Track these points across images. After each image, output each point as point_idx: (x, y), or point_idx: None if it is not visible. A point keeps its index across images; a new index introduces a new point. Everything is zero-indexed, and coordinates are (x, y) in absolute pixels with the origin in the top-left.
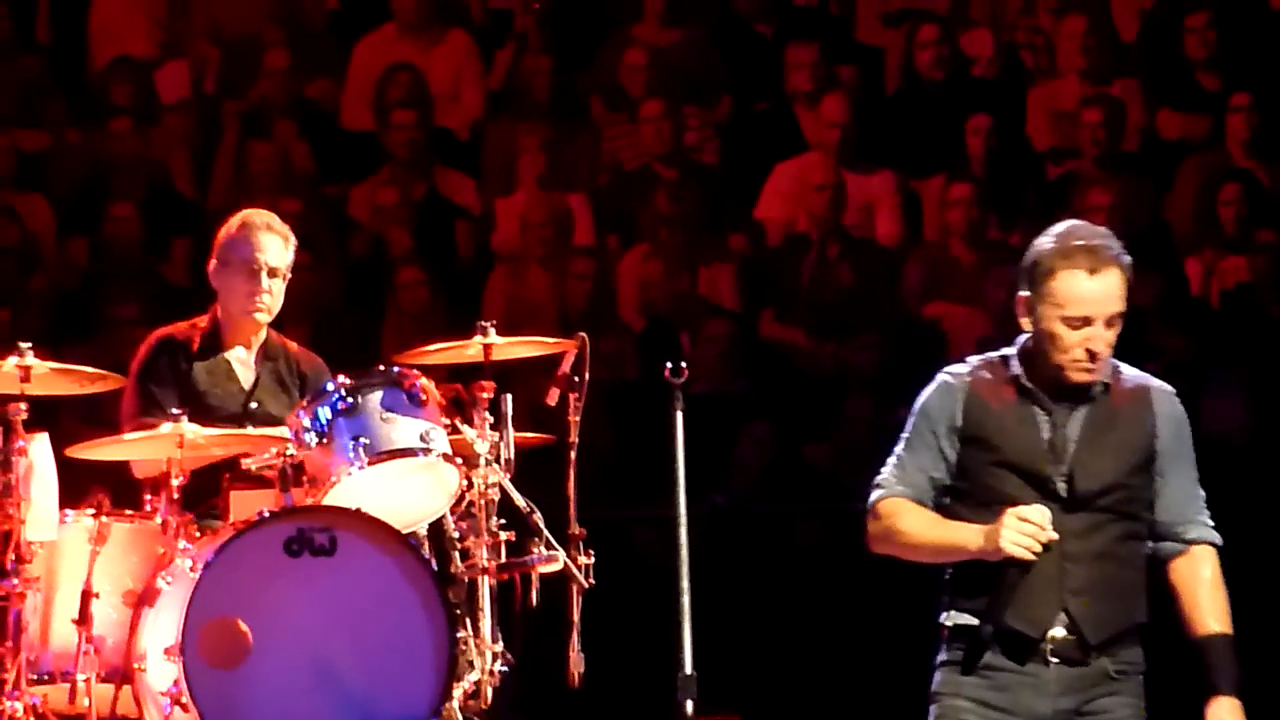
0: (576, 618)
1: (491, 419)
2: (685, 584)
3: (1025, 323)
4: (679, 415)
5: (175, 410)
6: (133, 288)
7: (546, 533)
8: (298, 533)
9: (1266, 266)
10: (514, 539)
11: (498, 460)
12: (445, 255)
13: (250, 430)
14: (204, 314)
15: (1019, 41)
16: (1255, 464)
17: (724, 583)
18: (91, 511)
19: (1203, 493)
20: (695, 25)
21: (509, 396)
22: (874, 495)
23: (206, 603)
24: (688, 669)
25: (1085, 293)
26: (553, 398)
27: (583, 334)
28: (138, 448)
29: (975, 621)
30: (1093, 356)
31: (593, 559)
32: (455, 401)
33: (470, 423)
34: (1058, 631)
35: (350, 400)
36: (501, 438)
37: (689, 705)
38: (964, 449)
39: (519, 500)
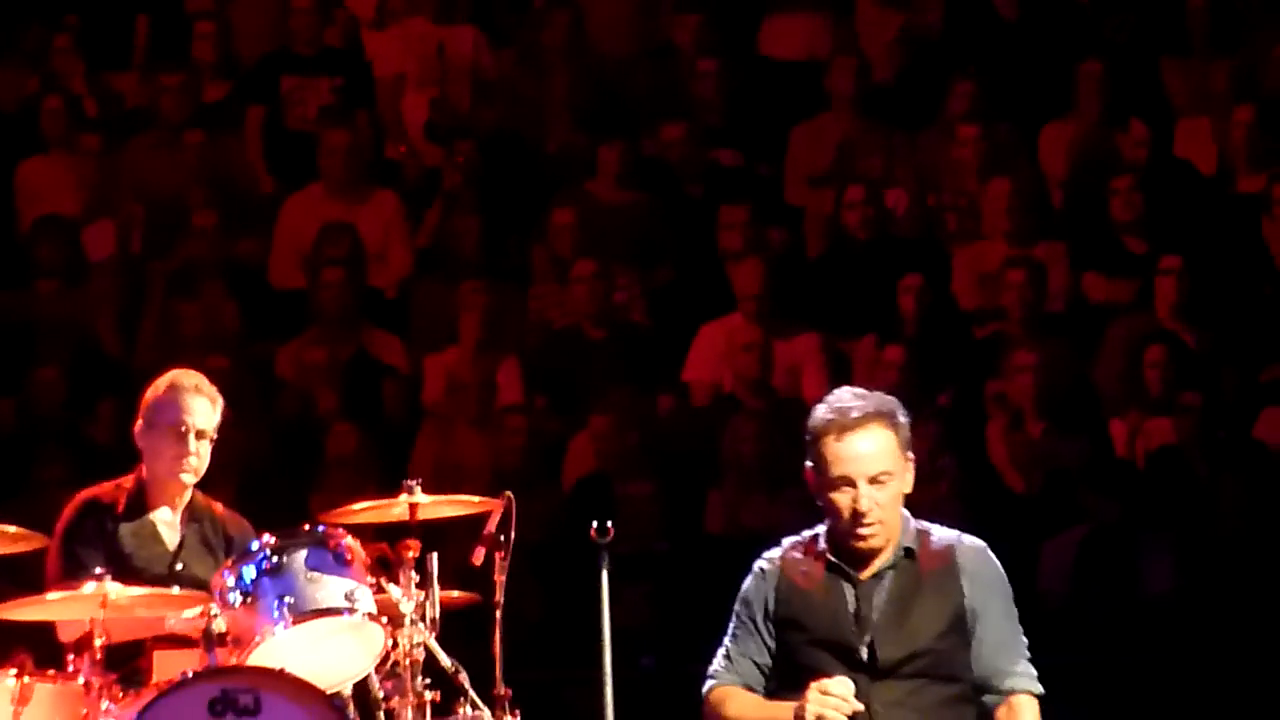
0: None
1: (417, 578)
2: None
3: (816, 498)
4: (605, 575)
5: (99, 570)
6: (58, 448)
7: (472, 692)
8: (221, 693)
9: (1191, 428)
10: (439, 699)
11: (423, 619)
12: (373, 414)
13: (175, 591)
14: (129, 474)
15: (945, 203)
16: (1184, 625)
17: None
18: (14, 672)
19: (1024, 641)
20: (641, 189)
21: (435, 555)
22: (706, 685)
23: None
24: None
25: (842, 454)
26: (478, 557)
27: (508, 493)
28: (61, 608)
29: None
30: (859, 516)
31: (519, 719)
32: (381, 560)
33: (396, 582)
34: None
35: (275, 559)
36: (427, 597)
37: None
38: (779, 632)
39: (444, 660)
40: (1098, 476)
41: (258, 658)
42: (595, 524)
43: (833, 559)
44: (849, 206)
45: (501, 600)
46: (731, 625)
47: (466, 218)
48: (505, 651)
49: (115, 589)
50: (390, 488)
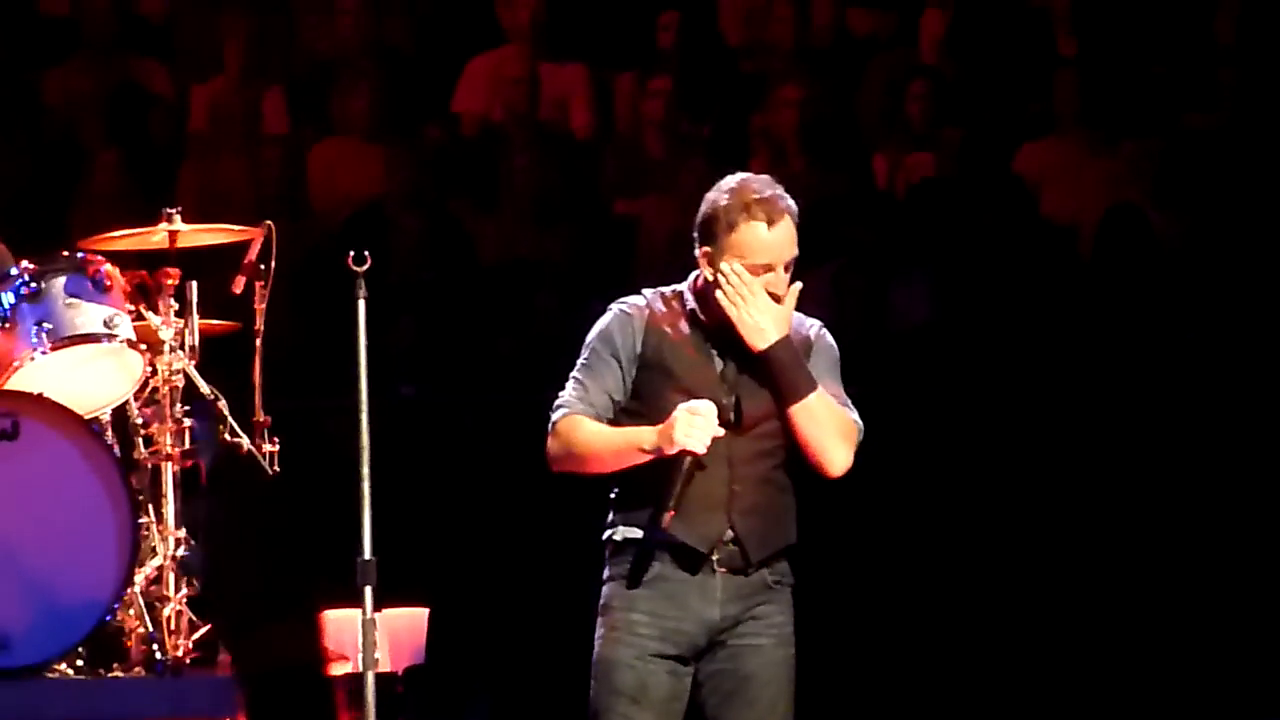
0: None
1: (177, 305)
2: (366, 470)
3: (708, 273)
4: (361, 304)
5: None
6: None
7: (231, 420)
8: None
9: (952, 162)
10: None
11: (182, 347)
12: (139, 142)
13: None
14: None
15: None
16: (939, 357)
17: (410, 473)
18: None
19: (848, 400)
20: None
21: (194, 283)
22: (556, 415)
23: None
24: (367, 554)
25: (767, 242)
26: (238, 285)
27: (269, 222)
28: None
29: (641, 534)
30: (775, 300)
31: (277, 446)
32: (140, 288)
33: (155, 309)
34: (724, 545)
35: (34, 285)
36: (186, 324)
37: (368, 590)
38: (642, 374)
39: (204, 387)
40: (857, 209)
41: (16, 382)
42: (353, 252)
43: (701, 318)
44: None
45: (261, 329)
46: (585, 358)
47: None
48: (265, 380)
49: None
50: (154, 217)
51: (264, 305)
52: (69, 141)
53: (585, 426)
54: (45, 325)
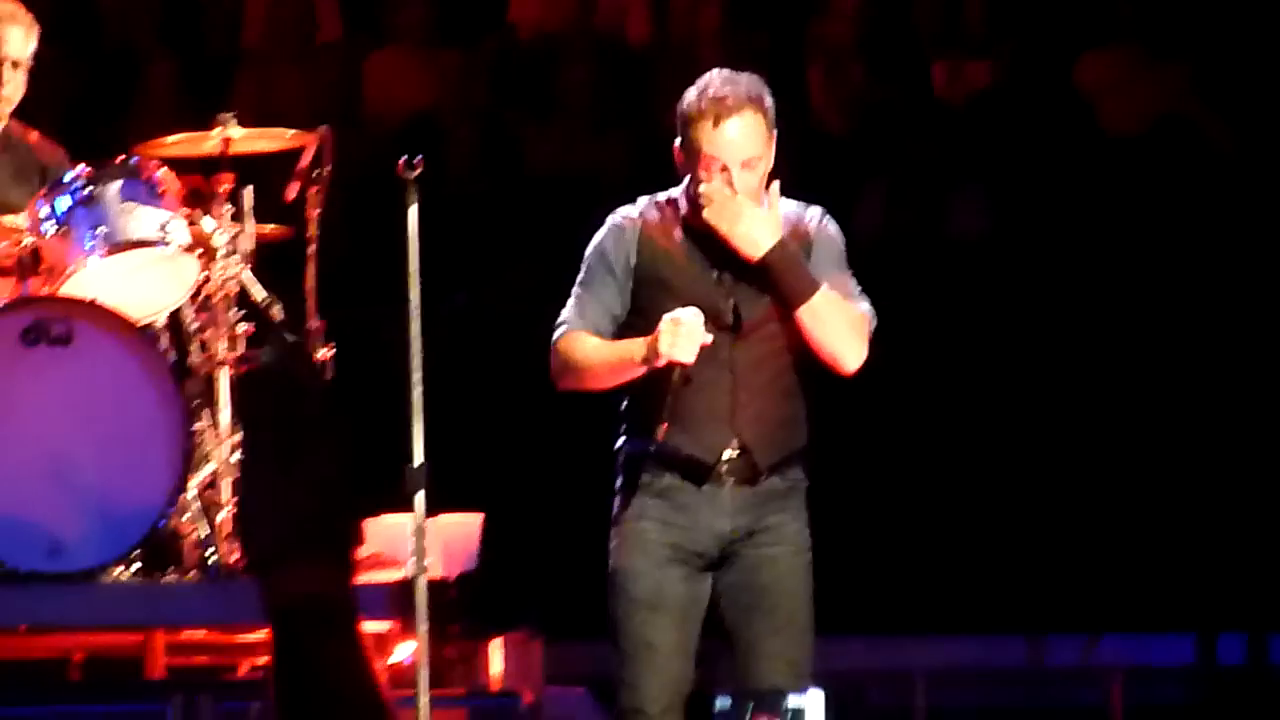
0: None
1: (231, 211)
2: (417, 376)
3: (682, 174)
4: (413, 209)
5: None
6: None
7: (285, 325)
8: (34, 322)
9: (1009, 71)
10: (253, 332)
11: (236, 252)
12: (194, 51)
13: None
14: None
15: None
16: (994, 268)
17: (465, 380)
18: None
19: (858, 288)
20: None
21: (249, 189)
22: (556, 333)
23: None
24: (418, 460)
25: (718, 140)
26: (292, 191)
27: (323, 128)
28: None
29: (648, 447)
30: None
31: (332, 352)
32: (195, 193)
33: (209, 215)
34: (731, 455)
35: (89, 190)
36: (241, 230)
37: (419, 496)
38: (639, 287)
39: (258, 293)
40: (915, 120)
41: (70, 288)
42: (405, 158)
43: (693, 223)
44: None
45: (315, 235)
46: (583, 274)
47: None
48: (319, 287)
49: None
50: (208, 123)
51: (317, 211)
52: (125, 50)
53: (583, 343)
54: (100, 230)
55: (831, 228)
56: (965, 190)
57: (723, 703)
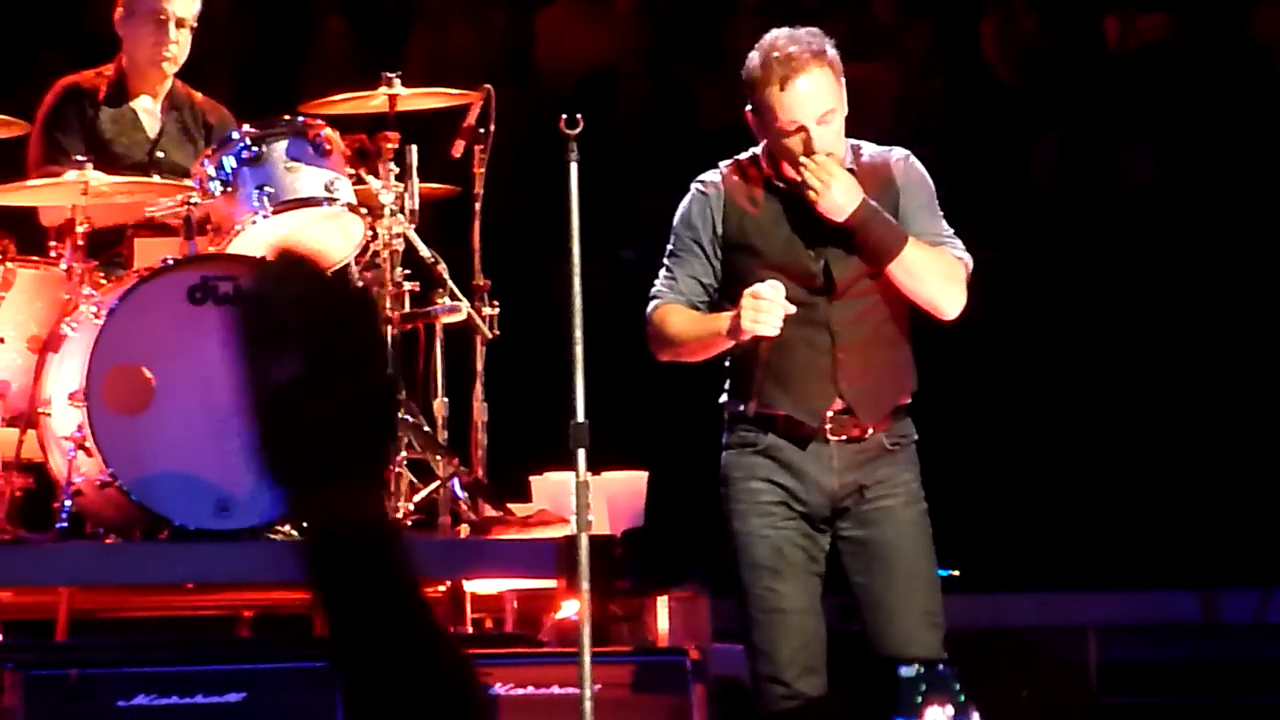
0: (480, 368)
1: (396, 170)
2: (578, 334)
3: (760, 137)
4: (573, 167)
5: (80, 158)
6: (57, 38)
7: (451, 283)
8: (201, 281)
9: (1184, 23)
10: (418, 289)
11: (402, 211)
12: (367, 8)
13: (155, 179)
14: (109, 63)
15: None
16: (1166, 218)
17: (628, 336)
18: None
19: (949, 230)
20: None
21: (414, 147)
22: (650, 306)
23: (111, 349)
24: (580, 417)
25: (788, 101)
26: (458, 150)
27: (488, 86)
28: (43, 194)
29: (749, 410)
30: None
31: (497, 310)
32: (360, 152)
33: (375, 173)
34: (834, 414)
35: (255, 149)
36: (406, 188)
37: (581, 453)
38: (728, 255)
39: (424, 251)
40: (1088, 71)
41: (237, 246)
42: (565, 116)
43: (778, 183)
44: None
45: (481, 193)
46: (672, 245)
47: None
48: (484, 244)
49: (97, 177)
50: (375, 82)
51: (483, 170)
52: (299, 8)
53: (675, 316)
54: (266, 189)
55: (918, 170)
56: (1137, 142)
57: (908, 671)
